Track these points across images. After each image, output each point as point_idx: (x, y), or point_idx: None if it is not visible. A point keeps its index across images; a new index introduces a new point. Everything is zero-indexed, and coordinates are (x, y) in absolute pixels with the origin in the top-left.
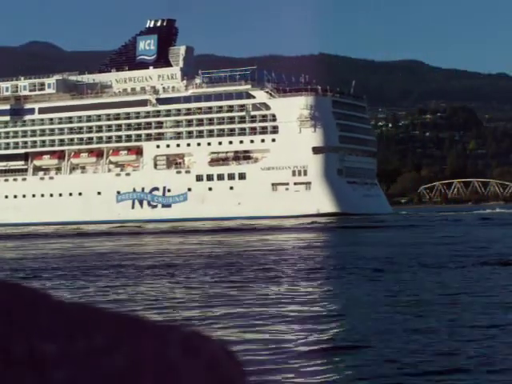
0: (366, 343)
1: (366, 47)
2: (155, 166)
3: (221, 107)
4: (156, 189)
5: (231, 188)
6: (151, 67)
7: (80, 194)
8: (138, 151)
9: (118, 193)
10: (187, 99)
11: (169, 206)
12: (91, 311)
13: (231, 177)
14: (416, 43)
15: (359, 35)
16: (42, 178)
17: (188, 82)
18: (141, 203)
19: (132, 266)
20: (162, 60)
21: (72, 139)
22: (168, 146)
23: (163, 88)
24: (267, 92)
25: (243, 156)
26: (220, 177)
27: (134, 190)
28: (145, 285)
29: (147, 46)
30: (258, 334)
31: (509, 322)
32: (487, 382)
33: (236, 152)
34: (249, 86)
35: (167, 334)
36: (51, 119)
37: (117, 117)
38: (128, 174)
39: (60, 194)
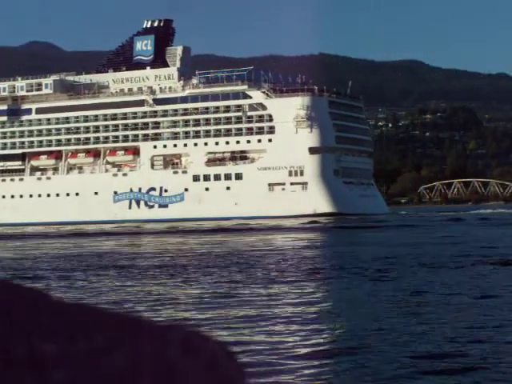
0: (366, 345)
1: (366, 47)
2: (152, 166)
3: (217, 107)
4: (153, 189)
5: (228, 188)
6: (148, 67)
7: (77, 194)
8: (135, 151)
9: (115, 193)
10: (184, 99)
11: (166, 206)
12: (91, 311)
13: (228, 177)
14: (416, 43)
15: (359, 35)
16: (39, 178)
17: (185, 83)
18: (138, 203)
19: (132, 266)
20: (159, 60)
21: (69, 139)
22: (165, 146)
23: (160, 88)
24: (264, 92)
25: (240, 156)
26: (217, 177)
27: (131, 190)
28: (145, 285)
29: (144, 46)
30: (256, 335)
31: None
32: (490, 382)
33: (233, 152)
34: (245, 87)
35: (167, 334)
36: (48, 119)
37: (114, 117)
38: (125, 175)
39: (57, 194)
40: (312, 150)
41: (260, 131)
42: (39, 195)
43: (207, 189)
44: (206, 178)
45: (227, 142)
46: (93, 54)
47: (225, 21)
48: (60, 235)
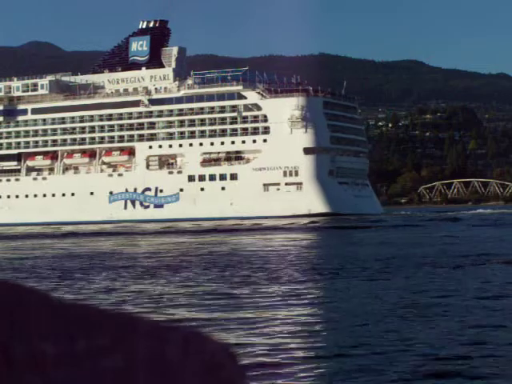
0: (366, 346)
1: (366, 47)
2: (147, 166)
3: (212, 108)
4: (148, 189)
5: (223, 188)
6: (144, 68)
7: (73, 194)
8: (131, 152)
9: (111, 193)
10: (179, 100)
11: (161, 206)
12: (91, 311)
13: (223, 177)
14: (416, 43)
15: (359, 35)
16: (35, 179)
17: (180, 83)
18: (133, 203)
19: (132, 266)
20: (155, 61)
21: (65, 140)
22: (160, 146)
23: (155, 89)
24: (258, 93)
25: (235, 156)
26: (212, 177)
27: (127, 190)
28: (144, 285)
29: (140, 46)
30: (256, 336)
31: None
32: None
33: (228, 153)
34: (240, 87)
35: (168, 334)
36: (44, 120)
37: (109, 117)
38: (120, 175)
39: (53, 195)
40: (307, 151)
41: (255, 132)
42: (35, 195)
43: (202, 189)
44: (201, 178)
45: (222, 143)
46: (93, 54)
47: (225, 21)
48: (55, 235)
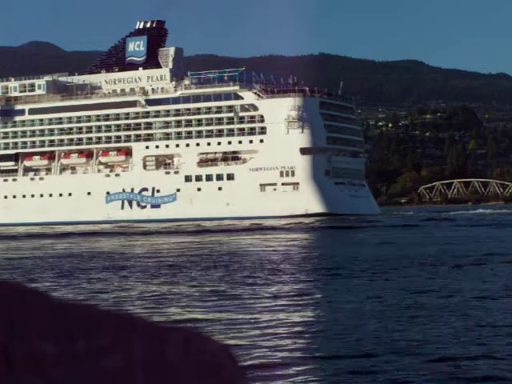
0: (366, 348)
1: (366, 47)
2: (144, 166)
3: (209, 108)
4: (145, 189)
5: (220, 188)
6: (141, 68)
7: (70, 194)
8: (128, 152)
9: (108, 193)
10: (176, 100)
11: (158, 206)
12: (91, 311)
13: (220, 177)
14: (416, 43)
15: (359, 35)
16: (32, 179)
17: (177, 83)
18: (130, 204)
19: (131, 266)
20: (152, 61)
21: (62, 140)
22: (157, 146)
23: (152, 89)
24: (255, 93)
25: (232, 157)
26: (208, 177)
27: (124, 190)
28: (144, 285)
29: (137, 47)
30: (255, 338)
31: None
32: None
33: (224, 153)
34: (237, 87)
35: (168, 334)
36: (41, 120)
37: (106, 118)
38: (117, 175)
39: (50, 195)
40: (303, 151)
41: (251, 132)
42: (32, 195)
43: (199, 189)
44: (198, 178)
45: (219, 143)
46: (93, 54)
47: (225, 21)
48: (55, 235)
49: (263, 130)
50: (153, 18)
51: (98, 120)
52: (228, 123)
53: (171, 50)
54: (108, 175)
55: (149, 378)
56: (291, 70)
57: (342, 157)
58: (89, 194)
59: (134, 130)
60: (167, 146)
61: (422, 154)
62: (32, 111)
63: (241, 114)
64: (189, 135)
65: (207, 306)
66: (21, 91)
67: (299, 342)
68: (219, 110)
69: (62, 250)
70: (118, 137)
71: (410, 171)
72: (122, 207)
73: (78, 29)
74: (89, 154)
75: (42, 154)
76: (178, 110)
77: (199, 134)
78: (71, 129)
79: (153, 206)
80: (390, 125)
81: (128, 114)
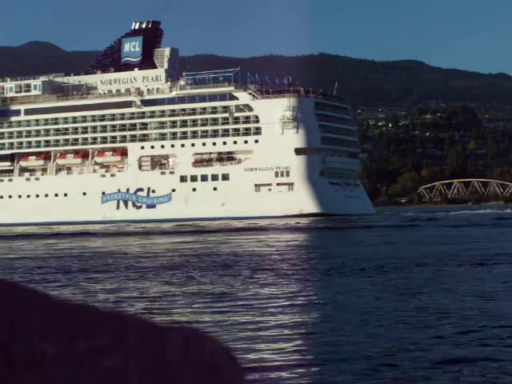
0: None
1: (366, 47)
2: (140, 166)
3: (204, 108)
4: (140, 189)
5: (215, 189)
6: (136, 69)
7: (66, 194)
8: (123, 152)
9: (103, 193)
10: (171, 101)
11: (153, 206)
12: (91, 311)
13: (215, 178)
14: (416, 43)
15: (359, 35)
16: (28, 179)
17: (172, 84)
18: (125, 204)
19: (130, 266)
20: (147, 62)
21: (58, 140)
22: (152, 147)
23: (148, 89)
24: (250, 93)
25: (227, 157)
26: (204, 178)
27: (119, 190)
28: (144, 285)
29: (132, 47)
30: (255, 339)
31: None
32: None
33: (219, 153)
34: (232, 88)
35: (168, 334)
36: (37, 120)
37: (102, 118)
38: (113, 175)
39: (46, 195)
40: (298, 151)
41: (246, 132)
42: (28, 196)
43: (194, 189)
44: (193, 178)
45: (214, 143)
46: (93, 54)
47: (225, 21)
48: (55, 235)
49: (258, 131)
50: (148, 19)
51: (94, 120)
52: (223, 123)
53: (167, 51)
54: (103, 175)
55: (149, 378)
56: (291, 70)
57: (336, 157)
58: (84, 194)
59: (129, 131)
60: (162, 147)
61: (422, 154)
62: (28, 111)
63: (236, 115)
64: (184, 135)
65: (206, 307)
66: (17, 91)
67: (298, 343)
68: (214, 110)
69: (62, 250)
70: (114, 137)
71: (410, 171)
72: (118, 207)
73: (78, 29)
74: (84, 155)
75: (37, 154)
76: (173, 111)
77: (194, 135)
78: (67, 129)
79: (148, 206)
80: (390, 125)
81: (123, 114)
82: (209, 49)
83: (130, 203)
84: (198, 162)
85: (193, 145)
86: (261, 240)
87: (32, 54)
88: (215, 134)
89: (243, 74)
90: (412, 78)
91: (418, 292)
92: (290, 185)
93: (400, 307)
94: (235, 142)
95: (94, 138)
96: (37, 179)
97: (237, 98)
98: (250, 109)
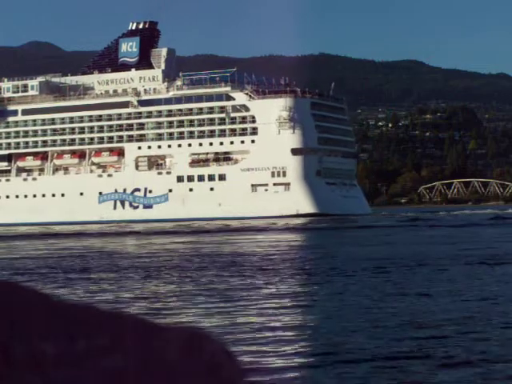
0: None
1: (366, 47)
2: (137, 167)
3: (201, 109)
4: (137, 190)
5: (211, 189)
6: (133, 69)
7: (63, 194)
8: (120, 152)
9: (100, 194)
10: (168, 101)
11: (150, 206)
12: (91, 311)
13: (211, 178)
14: (416, 43)
15: (359, 35)
16: (25, 179)
17: (169, 84)
18: (122, 204)
19: (130, 267)
20: (144, 62)
21: (55, 140)
22: (149, 147)
23: (144, 90)
24: (247, 94)
25: (223, 157)
26: (200, 178)
27: (116, 190)
28: (144, 285)
29: (129, 48)
30: (254, 340)
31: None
32: None
33: (216, 153)
34: (228, 88)
35: (167, 334)
36: (34, 121)
37: (99, 118)
38: (110, 175)
39: (43, 195)
40: (294, 151)
41: (243, 132)
42: (25, 196)
43: (191, 189)
44: (190, 178)
45: (211, 144)
46: (93, 54)
47: (225, 21)
48: (44, 235)
49: (255, 131)
50: (146, 19)
51: (91, 121)
52: (220, 124)
53: (163, 51)
54: (100, 175)
55: (149, 378)
56: (291, 69)
57: (333, 157)
58: (81, 194)
59: (126, 131)
60: (159, 147)
61: (422, 154)
62: (25, 112)
63: (232, 115)
64: (181, 136)
65: (204, 308)
66: (14, 92)
67: (296, 344)
68: (211, 110)
69: (62, 250)
70: (111, 137)
71: (410, 171)
72: (115, 207)
73: (78, 29)
74: (81, 155)
75: (35, 154)
76: (170, 111)
77: (191, 135)
78: (64, 129)
79: (145, 207)
80: (390, 125)
81: (120, 114)
82: (209, 49)
83: (126, 203)
84: (194, 163)
85: (189, 145)
86: (258, 240)
87: (32, 54)
88: (212, 134)
89: (240, 75)
90: (412, 78)
91: (417, 292)
92: (287, 185)
93: (399, 308)
94: (232, 143)
95: (91, 139)
96: (34, 179)
97: (233, 99)
98: (247, 109)
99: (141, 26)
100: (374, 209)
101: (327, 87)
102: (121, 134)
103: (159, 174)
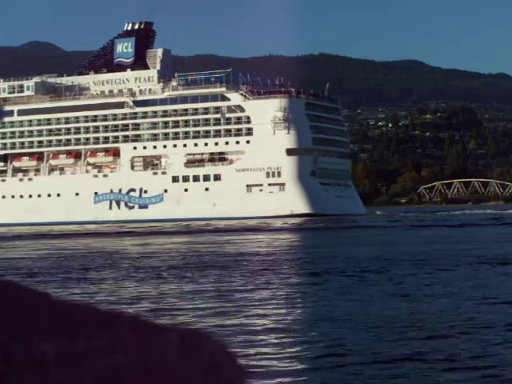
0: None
1: (366, 47)
2: (132, 167)
3: (196, 109)
4: (133, 190)
5: (207, 189)
6: (129, 70)
7: (58, 195)
8: (116, 153)
9: (96, 194)
10: (163, 101)
11: (145, 206)
12: (91, 311)
13: (207, 178)
14: (416, 43)
15: (359, 35)
16: (21, 180)
17: (164, 85)
18: (118, 204)
19: (129, 267)
20: (140, 62)
21: (50, 141)
22: (145, 147)
23: (140, 90)
24: (242, 94)
25: (218, 157)
26: (196, 178)
27: (112, 191)
28: (144, 285)
29: (125, 48)
30: (254, 341)
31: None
32: None
33: (211, 154)
34: (224, 89)
35: (167, 334)
36: (30, 121)
37: (94, 119)
38: (105, 176)
39: (39, 195)
40: (289, 152)
41: (238, 133)
42: (21, 196)
43: (186, 190)
44: (185, 179)
45: (206, 144)
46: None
47: (225, 21)
48: (43, 235)
49: (249, 131)
50: (141, 20)
51: (86, 121)
52: (215, 124)
53: (159, 52)
54: (96, 176)
55: (149, 378)
56: (291, 70)
57: (327, 157)
58: (77, 194)
59: (121, 131)
60: (155, 147)
61: (422, 154)
62: (21, 112)
63: (227, 115)
64: (176, 136)
65: (204, 308)
66: (10, 92)
67: (295, 346)
68: (206, 111)
69: (62, 250)
70: (106, 138)
71: (410, 171)
72: (110, 208)
73: (78, 29)
74: (77, 155)
75: (30, 154)
76: (165, 111)
77: (186, 135)
78: (60, 130)
79: (140, 207)
80: (390, 125)
81: (116, 115)
82: (209, 49)
83: (122, 203)
84: (189, 163)
85: (185, 145)
86: (253, 240)
87: (32, 54)
88: (207, 134)
89: (235, 75)
90: (412, 78)
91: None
92: (282, 185)
93: (399, 308)
94: (227, 143)
95: (87, 139)
96: (30, 180)
97: (228, 99)
98: (242, 109)
99: (136, 27)
100: (374, 209)
101: (331, 87)
102: (116, 134)
103: (154, 174)
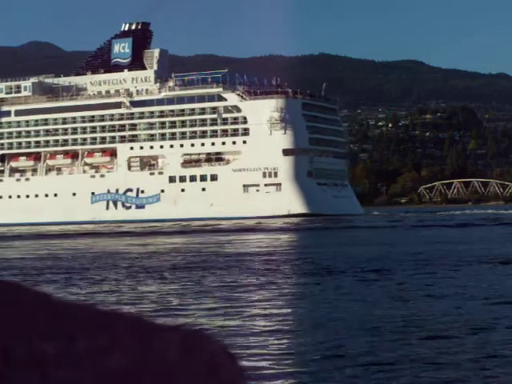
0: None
1: (366, 47)
2: (129, 167)
3: (193, 110)
4: (130, 190)
5: (203, 189)
6: (126, 70)
7: (56, 195)
8: (113, 153)
9: (93, 194)
10: (160, 102)
11: (142, 207)
12: (91, 311)
13: (203, 178)
14: (416, 43)
15: (359, 35)
16: (18, 180)
17: (161, 85)
18: (115, 204)
19: (129, 267)
20: (137, 63)
21: (48, 141)
22: (142, 147)
23: (137, 91)
24: (238, 94)
25: (215, 158)
26: (192, 178)
27: (109, 191)
28: (143, 286)
29: (122, 48)
30: (253, 342)
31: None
32: None
33: (208, 154)
34: (220, 89)
35: (167, 334)
36: (27, 121)
37: (91, 119)
38: (102, 176)
39: (36, 196)
40: (286, 152)
41: (235, 133)
42: (18, 196)
43: (183, 190)
44: (182, 179)
45: (203, 144)
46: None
47: (225, 21)
48: (50, 235)
49: (246, 132)
50: (138, 20)
51: (84, 121)
52: (211, 124)
53: (156, 52)
54: (93, 176)
55: (149, 378)
56: (291, 69)
57: (324, 157)
58: (74, 194)
59: (118, 132)
60: (151, 147)
61: (422, 154)
62: (18, 112)
63: (224, 116)
64: (173, 136)
65: (204, 308)
66: (7, 92)
67: (294, 347)
68: (203, 111)
69: (63, 251)
70: (103, 138)
71: (410, 171)
72: (107, 208)
73: (78, 29)
74: (74, 155)
75: (27, 154)
76: (162, 112)
77: (183, 136)
78: (57, 130)
79: (137, 207)
80: (390, 125)
81: (113, 115)
82: (209, 49)
83: (119, 204)
84: (186, 163)
85: (181, 145)
86: (253, 240)
87: (32, 54)
88: (204, 134)
89: (232, 75)
90: (412, 78)
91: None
92: (278, 185)
93: (400, 309)
94: (224, 143)
95: (84, 139)
96: (27, 180)
97: (225, 99)
98: (239, 110)
99: (133, 27)
100: (374, 209)
101: (327, 87)
102: (113, 134)
103: (151, 174)
